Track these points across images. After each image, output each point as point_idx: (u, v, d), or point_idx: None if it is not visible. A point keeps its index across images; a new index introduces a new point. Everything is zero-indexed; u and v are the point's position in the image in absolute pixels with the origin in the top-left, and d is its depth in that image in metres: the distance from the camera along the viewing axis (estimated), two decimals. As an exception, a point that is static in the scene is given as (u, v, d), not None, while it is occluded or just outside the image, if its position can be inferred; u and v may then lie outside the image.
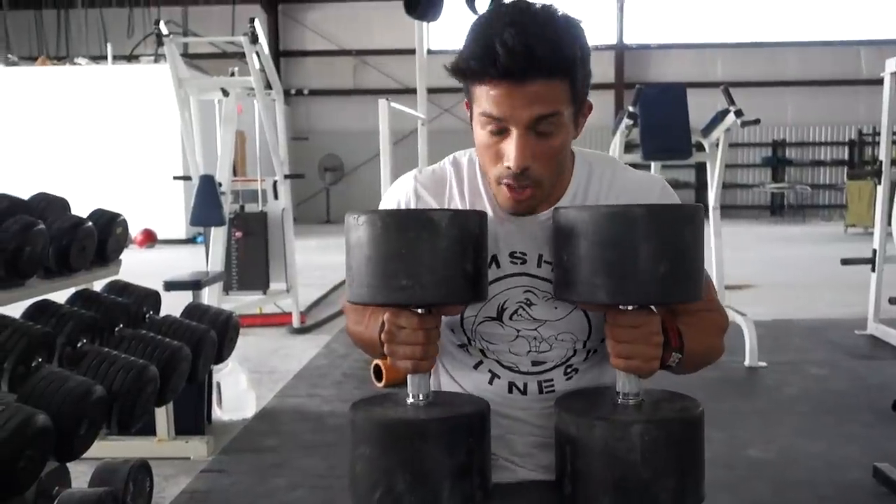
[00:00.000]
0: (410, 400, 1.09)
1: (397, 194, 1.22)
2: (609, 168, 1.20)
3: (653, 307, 1.05)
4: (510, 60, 0.99)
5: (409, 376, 1.09)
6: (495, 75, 1.01)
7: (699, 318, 1.15)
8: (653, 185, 1.19)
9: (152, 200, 11.52)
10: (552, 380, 1.19)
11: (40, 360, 1.84)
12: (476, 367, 1.21)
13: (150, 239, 11.67)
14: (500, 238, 1.15)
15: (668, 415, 1.05)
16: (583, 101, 1.08)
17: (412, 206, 1.19)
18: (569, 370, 1.20)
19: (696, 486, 1.05)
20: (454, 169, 1.21)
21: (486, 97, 1.04)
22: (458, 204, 1.18)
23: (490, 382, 1.20)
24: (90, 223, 2.36)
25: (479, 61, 1.02)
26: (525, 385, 1.19)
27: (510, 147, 1.04)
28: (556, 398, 1.14)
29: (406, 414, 1.07)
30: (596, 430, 1.03)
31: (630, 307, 1.03)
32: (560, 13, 1.05)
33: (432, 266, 1.01)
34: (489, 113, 1.04)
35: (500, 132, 1.05)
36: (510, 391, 1.20)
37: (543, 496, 1.16)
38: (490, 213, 1.14)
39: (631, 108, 4.51)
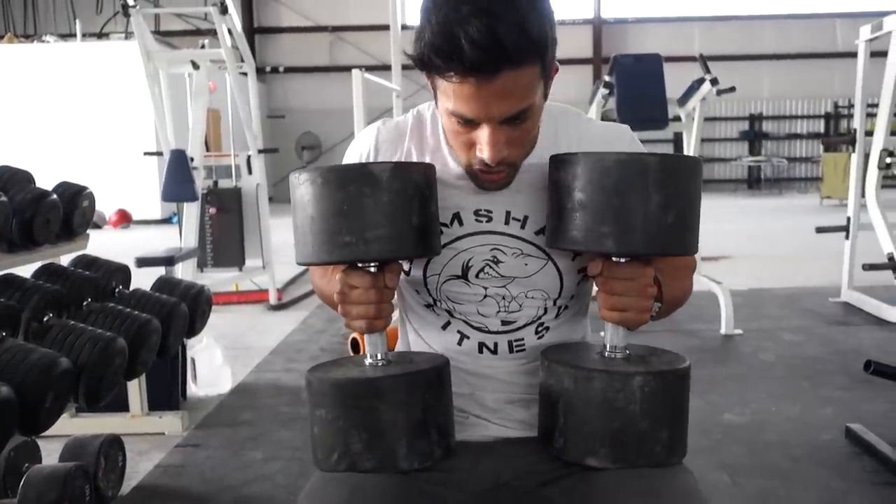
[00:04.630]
0: (368, 361, 1.07)
1: (360, 147, 1.19)
2: (573, 119, 1.17)
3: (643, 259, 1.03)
4: (477, 56, 0.90)
5: (365, 336, 1.07)
6: (461, 71, 0.92)
7: (674, 261, 1.14)
8: (622, 134, 1.17)
9: (127, 181, 11.37)
10: (522, 339, 1.17)
11: (4, 334, 1.80)
12: (444, 327, 1.19)
13: (124, 219, 11.54)
14: (463, 196, 1.12)
15: (663, 367, 1.04)
16: (552, 69, 1.02)
17: (372, 159, 1.16)
18: (539, 328, 1.18)
19: (684, 439, 1.06)
20: (416, 122, 1.18)
21: (451, 93, 0.96)
22: (414, 158, 1.15)
23: (459, 343, 1.18)
24: (54, 196, 2.30)
25: (444, 57, 0.92)
26: (495, 344, 1.17)
27: (482, 139, 0.99)
28: (542, 351, 1.12)
29: (359, 373, 1.05)
30: (595, 381, 1.01)
31: (623, 259, 1.01)
32: None
33: (375, 221, 0.97)
34: (457, 112, 0.98)
35: (469, 123, 1.00)
36: (480, 351, 1.18)
37: (517, 451, 1.15)
38: (454, 169, 1.11)
39: (607, 78, 4.49)
